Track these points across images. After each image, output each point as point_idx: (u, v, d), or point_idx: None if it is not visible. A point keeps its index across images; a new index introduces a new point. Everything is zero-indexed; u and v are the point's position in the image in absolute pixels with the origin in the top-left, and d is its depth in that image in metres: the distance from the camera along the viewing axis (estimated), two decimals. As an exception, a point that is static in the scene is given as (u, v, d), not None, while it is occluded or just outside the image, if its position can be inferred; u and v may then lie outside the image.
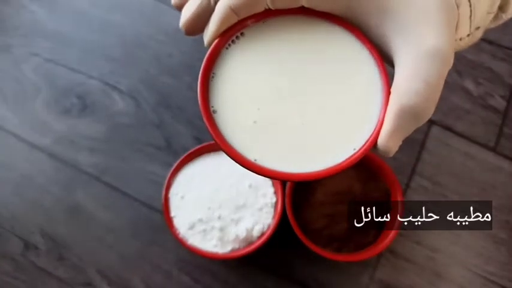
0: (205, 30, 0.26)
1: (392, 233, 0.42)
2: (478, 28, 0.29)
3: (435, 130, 0.52)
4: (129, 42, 0.57)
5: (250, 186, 0.44)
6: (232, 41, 0.26)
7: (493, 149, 0.51)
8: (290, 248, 0.47)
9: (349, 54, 0.27)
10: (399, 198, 0.43)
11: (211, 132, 0.24)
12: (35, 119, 0.54)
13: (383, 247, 0.41)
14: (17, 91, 0.56)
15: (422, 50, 0.25)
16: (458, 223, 0.48)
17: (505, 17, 0.30)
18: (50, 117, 0.54)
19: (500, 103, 0.53)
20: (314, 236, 0.43)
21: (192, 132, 0.52)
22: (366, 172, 0.45)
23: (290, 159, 0.25)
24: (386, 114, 0.24)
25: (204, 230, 0.42)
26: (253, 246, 0.42)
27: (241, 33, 0.26)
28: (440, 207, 0.48)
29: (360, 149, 0.24)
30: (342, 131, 0.25)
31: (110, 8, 0.60)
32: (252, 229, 0.42)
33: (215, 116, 0.25)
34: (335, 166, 0.24)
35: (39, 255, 0.48)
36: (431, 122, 0.52)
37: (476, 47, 0.56)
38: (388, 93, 0.24)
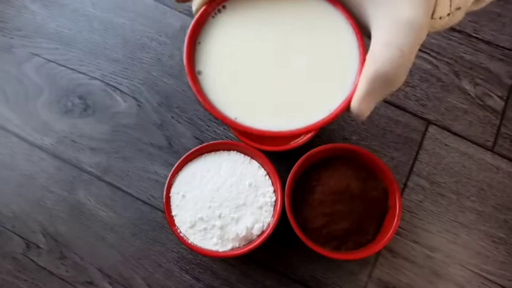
0: None
1: (390, 232, 0.42)
2: (459, 8, 0.30)
3: (433, 130, 0.52)
4: (131, 43, 0.58)
5: (250, 185, 0.44)
6: (219, 10, 0.28)
7: (491, 149, 0.51)
8: (289, 246, 0.47)
9: (329, 24, 0.28)
10: (397, 198, 0.43)
11: (195, 91, 0.26)
12: (36, 119, 0.54)
13: (381, 246, 0.42)
14: (18, 91, 0.56)
15: (398, 20, 0.26)
16: (456, 222, 0.48)
17: None
18: (51, 117, 0.54)
19: (498, 103, 0.53)
20: (313, 235, 0.43)
21: (193, 132, 0.53)
22: (365, 171, 0.45)
23: (268, 118, 0.27)
24: (360, 79, 0.26)
25: (205, 229, 0.43)
26: (253, 245, 0.42)
27: (224, 6, 0.28)
28: (438, 207, 0.49)
29: (335, 111, 0.26)
30: (319, 94, 0.27)
31: (112, 9, 0.60)
32: (252, 228, 0.43)
33: (200, 77, 0.27)
34: (310, 125, 0.26)
35: (41, 254, 0.49)
36: (428, 122, 0.53)
37: (473, 47, 0.56)
38: (364, 60, 0.26)
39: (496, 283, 0.46)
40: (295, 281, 0.46)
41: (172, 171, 0.45)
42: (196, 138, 0.52)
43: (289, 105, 0.28)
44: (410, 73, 0.55)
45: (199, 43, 0.28)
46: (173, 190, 0.45)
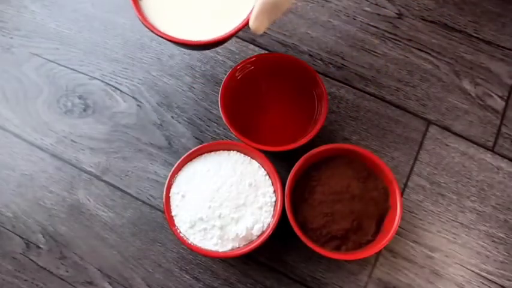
0: None
1: (391, 232, 0.42)
2: None
3: (433, 130, 0.52)
4: (131, 42, 0.58)
5: (250, 185, 0.44)
6: None
7: (491, 149, 0.51)
8: (289, 246, 0.47)
9: None
10: (398, 198, 0.43)
11: (136, 12, 0.38)
12: (36, 119, 0.54)
13: (382, 246, 0.42)
14: (18, 91, 0.56)
15: None
16: (456, 222, 0.48)
17: None
18: (51, 117, 0.54)
19: (498, 103, 0.53)
20: (313, 235, 0.43)
21: (193, 132, 0.53)
22: (365, 171, 0.45)
23: (190, 30, 0.39)
24: (255, 3, 0.37)
25: (205, 229, 0.43)
26: (253, 245, 0.42)
27: None
28: (438, 207, 0.49)
29: (238, 26, 0.38)
30: (228, 15, 0.39)
31: (112, 9, 0.60)
32: (252, 228, 0.43)
33: (141, 3, 0.39)
34: (221, 36, 0.38)
35: (41, 254, 0.49)
36: (429, 122, 0.53)
37: (474, 47, 0.56)
38: None
39: (495, 283, 0.46)
40: (295, 281, 0.46)
41: (172, 171, 0.45)
42: (196, 138, 0.52)
43: (207, 23, 0.39)
44: (411, 73, 0.55)
45: None
46: (173, 190, 0.45)
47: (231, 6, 0.39)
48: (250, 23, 0.37)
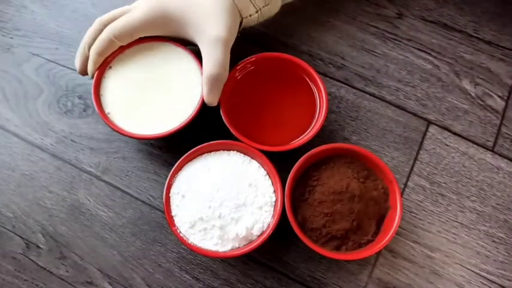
0: (88, 66, 0.48)
1: (391, 232, 0.42)
2: (267, 5, 0.49)
3: (433, 130, 0.52)
4: (130, 42, 0.58)
5: (250, 185, 0.44)
6: (109, 67, 0.49)
7: (491, 149, 0.51)
8: (289, 246, 0.47)
9: (180, 60, 0.49)
10: (398, 198, 0.43)
11: (101, 115, 0.47)
12: (36, 119, 0.54)
13: (382, 246, 0.42)
14: (18, 91, 0.56)
15: (209, 39, 0.44)
16: (456, 222, 0.48)
17: None
18: (51, 117, 0.54)
19: (498, 103, 0.53)
20: (313, 235, 0.43)
21: (192, 132, 0.53)
22: (364, 171, 0.45)
23: (148, 126, 0.46)
24: (202, 83, 0.45)
25: (205, 229, 0.43)
26: (253, 245, 0.42)
27: (110, 66, 0.49)
28: (438, 207, 0.49)
29: (196, 107, 0.46)
30: (184, 101, 0.47)
31: (111, 9, 0.60)
32: (252, 228, 0.43)
33: (106, 112, 0.47)
34: (184, 122, 0.46)
35: (41, 254, 0.48)
36: (429, 122, 0.53)
37: (474, 47, 0.56)
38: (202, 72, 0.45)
39: (495, 283, 0.46)
40: (295, 281, 0.46)
41: (172, 171, 0.45)
42: (196, 137, 0.52)
43: (162, 116, 0.47)
44: (411, 73, 0.55)
45: (101, 95, 0.48)
46: (173, 190, 0.45)
47: (186, 91, 0.47)
48: (206, 100, 0.45)
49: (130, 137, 0.46)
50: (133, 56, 0.49)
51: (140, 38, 0.48)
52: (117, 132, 0.46)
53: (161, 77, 0.48)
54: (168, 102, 0.47)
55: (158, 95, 0.47)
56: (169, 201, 0.44)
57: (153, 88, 0.48)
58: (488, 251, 0.47)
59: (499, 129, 0.52)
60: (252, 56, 0.50)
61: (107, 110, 0.47)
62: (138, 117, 0.47)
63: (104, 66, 0.48)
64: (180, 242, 0.44)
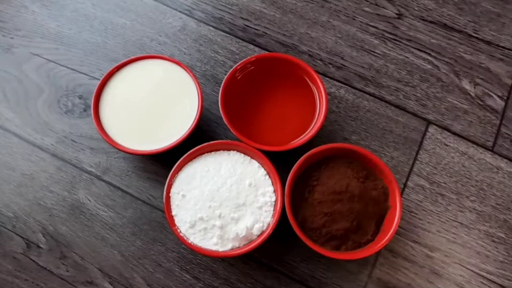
0: None
1: (390, 232, 0.42)
2: None
3: (433, 130, 0.52)
4: (131, 43, 0.58)
5: (250, 185, 0.44)
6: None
7: (491, 149, 0.51)
8: (289, 246, 0.47)
9: (178, 79, 0.50)
10: (397, 198, 0.43)
11: (100, 132, 0.48)
12: (36, 119, 0.54)
13: (381, 246, 0.42)
14: (18, 91, 0.56)
15: None
16: (456, 222, 0.48)
17: None
18: (51, 117, 0.54)
19: (498, 103, 0.53)
20: (313, 234, 0.43)
21: (192, 132, 0.53)
22: (364, 171, 0.45)
23: (145, 142, 0.48)
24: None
25: (205, 229, 0.43)
26: (253, 245, 0.42)
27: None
28: (438, 206, 0.49)
29: (189, 128, 0.47)
30: (179, 123, 0.48)
31: (112, 9, 0.60)
32: (252, 227, 0.43)
33: (103, 124, 0.49)
34: (175, 141, 0.47)
35: (41, 254, 0.49)
36: (429, 122, 0.53)
37: (473, 47, 0.56)
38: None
39: (495, 283, 0.46)
40: (295, 281, 0.46)
41: (172, 171, 0.45)
42: (196, 137, 0.52)
43: (161, 135, 0.48)
44: (411, 73, 0.55)
45: (102, 97, 0.50)
46: (173, 190, 0.45)
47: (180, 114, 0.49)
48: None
49: (128, 153, 0.47)
50: (130, 72, 0.51)
51: (137, 56, 0.51)
52: (118, 149, 0.47)
53: (157, 94, 0.50)
54: (164, 118, 0.49)
55: (154, 111, 0.49)
56: (169, 201, 0.44)
57: (150, 105, 0.49)
58: (488, 251, 0.47)
59: (499, 129, 0.52)
60: (252, 56, 0.50)
61: (102, 119, 0.49)
62: (135, 133, 0.48)
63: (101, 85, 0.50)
64: (180, 241, 0.44)
